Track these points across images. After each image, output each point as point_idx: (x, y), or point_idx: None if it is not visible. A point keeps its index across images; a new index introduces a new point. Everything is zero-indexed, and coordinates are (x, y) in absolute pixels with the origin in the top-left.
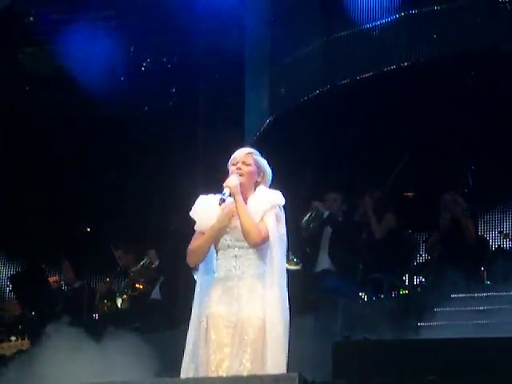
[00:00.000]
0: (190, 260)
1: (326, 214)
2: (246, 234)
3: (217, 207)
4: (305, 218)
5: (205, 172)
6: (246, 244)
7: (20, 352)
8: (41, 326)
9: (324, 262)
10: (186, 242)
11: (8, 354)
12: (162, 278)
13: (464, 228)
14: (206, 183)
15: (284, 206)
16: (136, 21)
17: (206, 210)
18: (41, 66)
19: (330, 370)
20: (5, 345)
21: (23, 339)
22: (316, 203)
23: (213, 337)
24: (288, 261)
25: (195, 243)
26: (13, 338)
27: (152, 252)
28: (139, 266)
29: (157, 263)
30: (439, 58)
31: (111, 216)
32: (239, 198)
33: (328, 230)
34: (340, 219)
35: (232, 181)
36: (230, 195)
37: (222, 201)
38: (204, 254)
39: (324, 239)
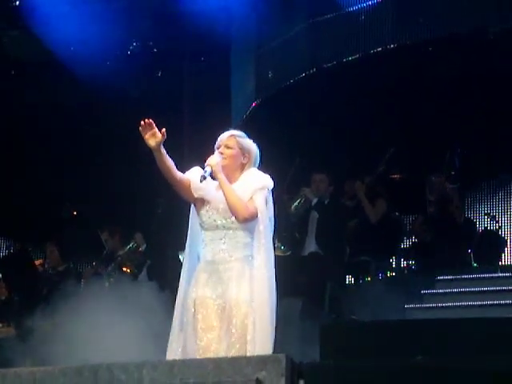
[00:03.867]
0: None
1: (315, 200)
2: (233, 210)
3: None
4: (294, 204)
5: (192, 155)
6: (234, 225)
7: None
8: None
9: (311, 246)
10: (173, 225)
11: None
12: (148, 262)
13: (454, 208)
14: (194, 166)
15: (272, 190)
16: (122, 5)
17: (197, 171)
18: (26, 50)
19: (318, 352)
20: None
21: (8, 326)
22: (305, 190)
23: (201, 320)
24: (275, 249)
25: None
26: None
27: (139, 236)
28: (126, 249)
29: (144, 247)
30: (426, 40)
31: (98, 199)
32: (221, 175)
33: (315, 214)
34: (327, 201)
35: (213, 159)
36: (212, 173)
37: (203, 178)
38: (165, 169)
39: (311, 223)
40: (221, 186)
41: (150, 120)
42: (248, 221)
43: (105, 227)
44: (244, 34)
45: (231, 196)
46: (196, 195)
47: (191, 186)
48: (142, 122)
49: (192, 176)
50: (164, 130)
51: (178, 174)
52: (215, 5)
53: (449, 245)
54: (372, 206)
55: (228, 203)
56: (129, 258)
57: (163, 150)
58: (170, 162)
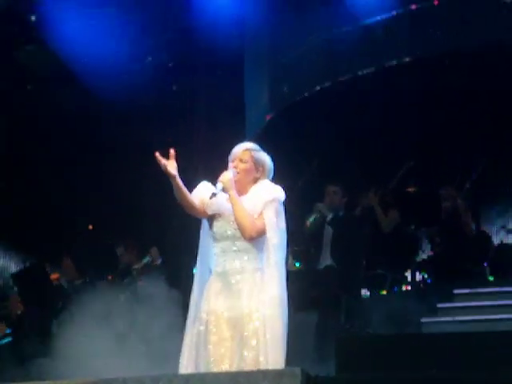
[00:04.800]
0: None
1: (330, 216)
2: (241, 228)
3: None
4: (309, 220)
5: (205, 169)
6: None
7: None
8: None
9: (326, 259)
10: (188, 238)
11: None
12: (164, 276)
13: (463, 221)
14: (207, 179)
15: (284, 202)
16: (137, 19)
17: (204, 187)
18: (42, 64)
19: (334, 365)
20: None
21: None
22: (319, 205)
23: (213, 332)
24: (288, 265)
25: None
26: None
27: (154, 250)
28: (142, 263)
29: (159, 261)
30: (441, 53)
31: (113, 213)
32: (233, 192)
33: (330, 229)
34: (341, 213)
35: (226, 175)
36: (224, 190)
37: (214, 195)
38: (182, 196)
39: (326, 237)
40: (231, 203)
41: (156, 153)
42: (254, 239)
43: (120, 241)
44: (258, 47)
45: (241, 214)
46: (210, 212)
47: (204, 205)
48: (157, 159)
49: (201, 195)
50: (172, 150)
51: (192, 199)
52: (229, 19)
53: (461, 258)
54: (385, 216)
55: (237, 221)
56: (144, 271)
57: (178, 176)
58: (185, 188)
